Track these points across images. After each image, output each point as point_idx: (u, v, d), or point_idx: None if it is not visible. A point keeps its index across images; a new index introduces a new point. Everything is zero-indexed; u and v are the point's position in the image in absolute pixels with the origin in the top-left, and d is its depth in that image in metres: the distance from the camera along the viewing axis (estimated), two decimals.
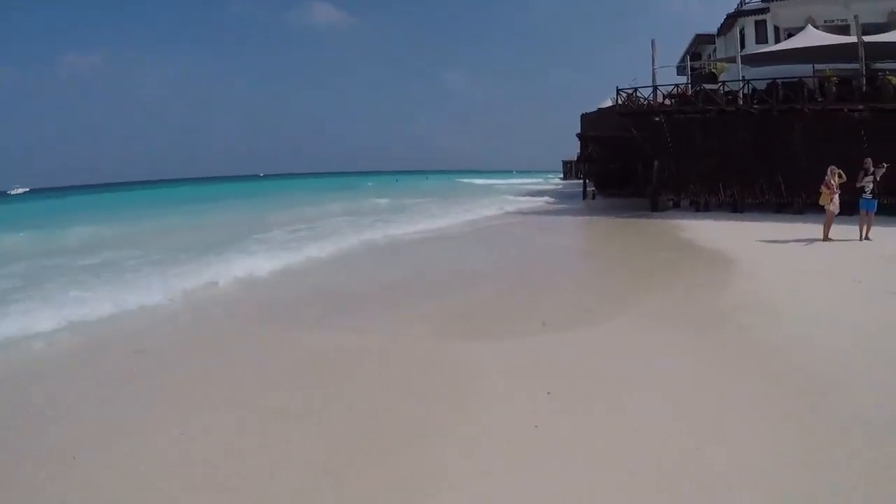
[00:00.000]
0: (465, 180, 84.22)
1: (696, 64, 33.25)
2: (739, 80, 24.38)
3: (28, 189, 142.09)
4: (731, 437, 4.88)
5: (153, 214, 33.39)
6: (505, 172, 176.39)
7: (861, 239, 15.40)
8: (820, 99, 23.14)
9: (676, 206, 27.73)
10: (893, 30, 24.65)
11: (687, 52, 37.03)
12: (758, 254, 14.38)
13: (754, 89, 23.91)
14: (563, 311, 9.53)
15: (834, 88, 22.86)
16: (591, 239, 21.95)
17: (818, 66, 25.10)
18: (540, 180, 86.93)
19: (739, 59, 24.47)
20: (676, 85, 27.45)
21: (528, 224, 25.08)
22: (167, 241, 19.32)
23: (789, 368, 6.45)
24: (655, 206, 27.04)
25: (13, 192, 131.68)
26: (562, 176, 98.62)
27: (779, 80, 23.48)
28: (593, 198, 40.01)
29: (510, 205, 35.46)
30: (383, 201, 40.06)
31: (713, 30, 33.63)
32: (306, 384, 6.61)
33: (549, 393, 5.91)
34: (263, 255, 14.80)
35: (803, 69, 24.71)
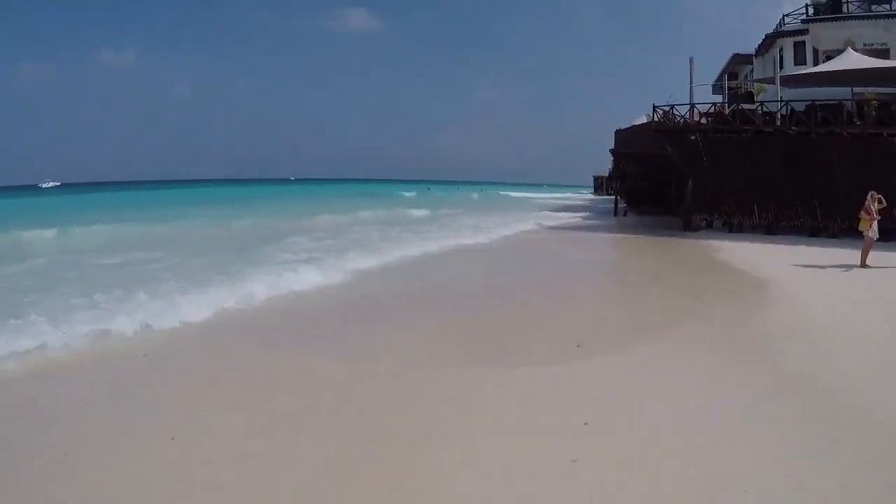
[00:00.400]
0: (504, 192, 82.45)
1: (733, 83, 33.10)
2: (778, 101, 24.30)
3: (59, 183, 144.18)
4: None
5: (199, 214, 34.58)
6: (535, 186, 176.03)
7: None
8: (859, 122, 23.01)
9: (709, 226, 27.59)
10: None
11: (724, 71, 36.89)
12: (795, 278, 14.28)
13: (793, 111, 23.78)
14: (598, 332, 9.56)
15: (874, 112, 22.67)
16: (625, 258, 21.81)
17: (857, 90, 24.98)
18: (570, 194, 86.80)
19: (778, 80, 24.35)
20: (714, 104, 27.41)
21: (563, 240, 25.19)
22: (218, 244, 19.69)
23: (835, 405, 6.32)
24: (688, 226, 26.95)
25: (44, 186, 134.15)
26: (592, 191, 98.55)
27: (818, 102, 23.33)
28: (624, 214, 39.95)
29: (544, 219, 35.61)
30: (421, 212, 40.37)
31: (750, 49, 33.60)
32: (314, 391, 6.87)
33: (586, 424, 5.74)
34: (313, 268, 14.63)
35: (842, 92, 24.60)
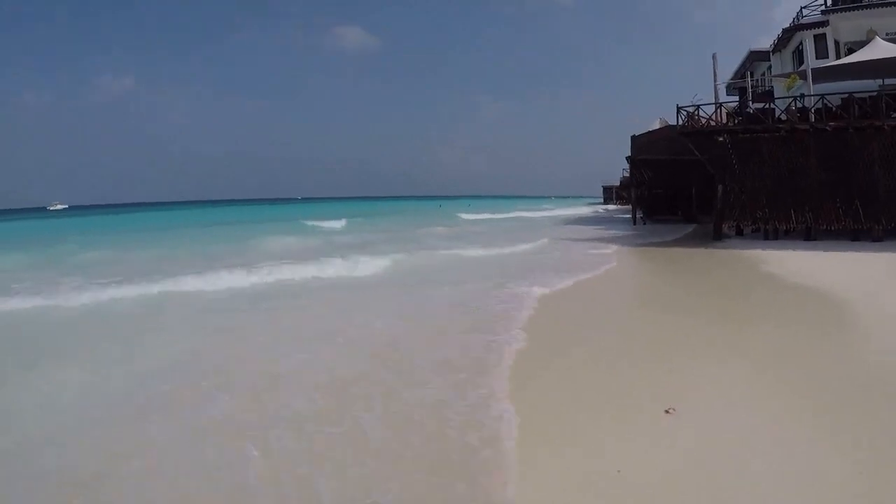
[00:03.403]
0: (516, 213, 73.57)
1: (754, 80, 31.76)
2: (808, 96, 22.92)
3: (67, 206, 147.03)
4: None
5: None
6: (542, 198, 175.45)
7: None
8: (895, 115, 21.62)
9: (739, 233, 26.16)
10: None
11: (740, 70, 35.57)
12: (872, 293, 12.75)
13: (826, 106, 22.39)
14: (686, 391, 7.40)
15: None
16: (660, 273, 19.74)
17: (888, 81, 23.66)
18: (582, 207, 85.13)
19: (810, 74, 22.93)
20: (740, 100, 26.03)
21: (594, 257, 22.05)
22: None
23: None
24: (719, 234, 25.52)
25: (52, 208, 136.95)
26: (601, 201, 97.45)
27: (856, 95, 21.93)
28: (644, 223, 38.62)
29: (559, 231, 34.45)
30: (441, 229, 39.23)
31: (764, 46, 32.38)
32: None
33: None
34: None
35: (868, 84, 23.28)
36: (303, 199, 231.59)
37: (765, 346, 9.09)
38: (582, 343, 9.61)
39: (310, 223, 44.27)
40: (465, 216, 58.07)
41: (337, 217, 51.76)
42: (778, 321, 10.78)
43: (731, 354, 8.73)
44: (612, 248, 23.74)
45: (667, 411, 6.46)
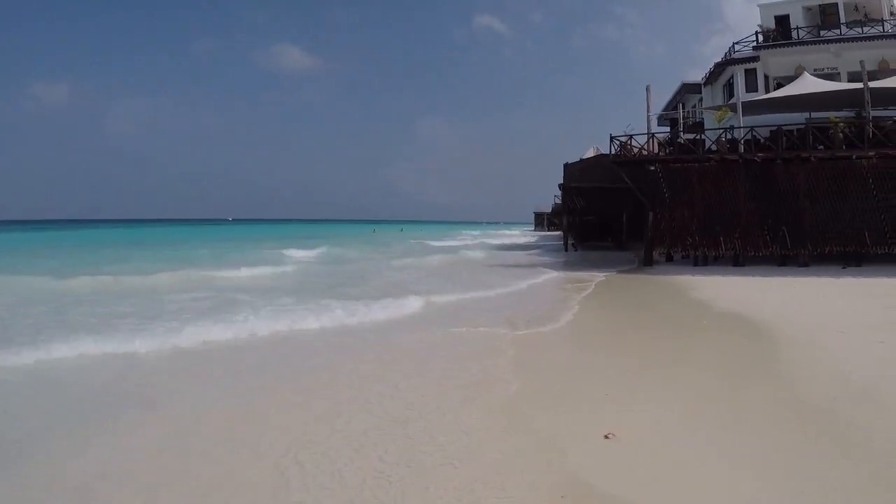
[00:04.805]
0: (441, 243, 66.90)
1: (685, 112, 32.35)
2: (740, 127, 23.30)
3: None
4: None
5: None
6: (473, 224, 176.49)
7: None
8: (821, 147, 22.14)
9: (669, 259, 26.27)
10: (883, 77, 23.99)
11: (671, 102, 36.25)
12: (798, 319, 12.59)
13: (755, 137, 22.76)
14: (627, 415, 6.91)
15: (841, 134, 21.80)
16: (592, 302, 18.27)
17: (815, 114, 24.32)
18: (515, 232, 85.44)
19: (740, 106, 23.30)
20: (671, 131, 26.38)
21: (526, 283, 21.34)
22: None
23: None
24: (650, 261, 25.55)
25: None
26: (532, 227, 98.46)
27: (784, 127, 22.37)
28: (576, 249, 38.73)
29: (498, 258, 34.02)
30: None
31: (696, 79, 33.12)
32: None
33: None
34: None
35: (797, 118, 23.92)
36: (233, 220, 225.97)
37: (694, 376, 8.53)
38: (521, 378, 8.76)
39: (280, 251, 36.05)
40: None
41: (294, 242, 46.30)
42: (708, 350, 10.39)
43: (662, 386, 8.09)
44: (542, 278, 22.94)
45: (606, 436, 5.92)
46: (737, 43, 28.74)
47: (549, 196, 74.34)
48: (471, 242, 57.89)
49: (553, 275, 23.75)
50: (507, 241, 63.05)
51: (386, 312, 13.93)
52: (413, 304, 14.99)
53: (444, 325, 12.36)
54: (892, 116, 22.99)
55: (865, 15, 27.83)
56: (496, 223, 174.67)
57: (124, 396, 7.76)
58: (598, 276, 22.54)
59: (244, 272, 23.40)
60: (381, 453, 5.59)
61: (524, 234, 77.10)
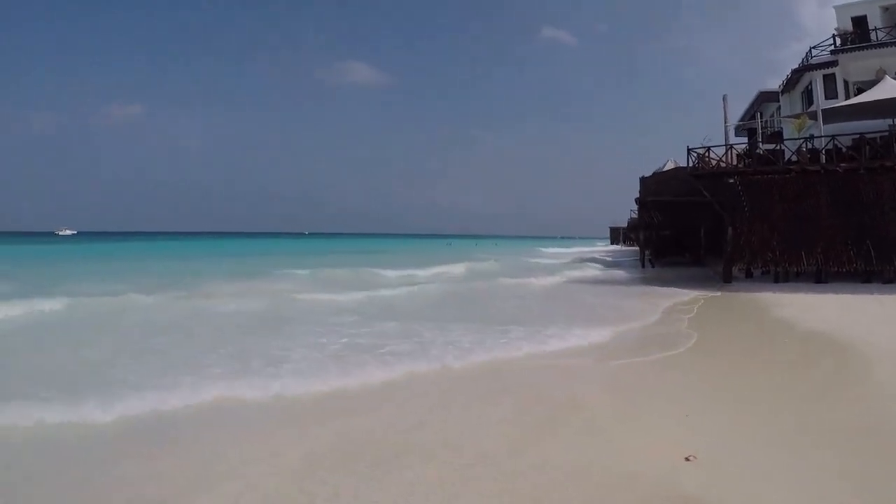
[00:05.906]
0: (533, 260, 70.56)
1: (763, 122, 31.37)
2: (820, 137, 22.49)
3: (76, 231, 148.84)
4: None
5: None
6: (548, 238, 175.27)
7: None
8: None
9: (749, 275, 25.48)
10: None
11: (749, 111, 35.25)
12: (891, 339, 11.99)
13: (837, 147, 21.92)
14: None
15: None
16: (671, 323, 18.29)
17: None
18: (587, 248, 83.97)
19: (821, 114, 22.51)
20: (749, 142, 25.71)
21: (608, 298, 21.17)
22: None
23: None
24: (729, 277, 24.83)
25: (61, 234, 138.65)
26: (608, 242, 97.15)
27: (866, 135, 21.47)
28: (653, 266, 37.95)
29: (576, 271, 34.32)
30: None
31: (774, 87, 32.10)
32: None
33: None
34: None
35: (878, 124, 22.86)
36: (309, 233, 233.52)
37: (778, 394, 8.34)
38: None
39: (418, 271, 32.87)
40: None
41: (412, 259, 44.17)
42: (796, 371, 10.02)
43: (745, 403, 7.94)
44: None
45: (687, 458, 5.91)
46: (814, 48, 27.71)
47: (625, 211, 73.33)
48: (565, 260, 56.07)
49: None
50: (586, 257, 61.82)
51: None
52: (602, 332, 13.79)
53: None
54: None
55: None
56: (570, 238, 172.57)
57: None
58: (676, 290, 22.06)
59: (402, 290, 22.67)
60: None
61: (597, 251, 75.45)
